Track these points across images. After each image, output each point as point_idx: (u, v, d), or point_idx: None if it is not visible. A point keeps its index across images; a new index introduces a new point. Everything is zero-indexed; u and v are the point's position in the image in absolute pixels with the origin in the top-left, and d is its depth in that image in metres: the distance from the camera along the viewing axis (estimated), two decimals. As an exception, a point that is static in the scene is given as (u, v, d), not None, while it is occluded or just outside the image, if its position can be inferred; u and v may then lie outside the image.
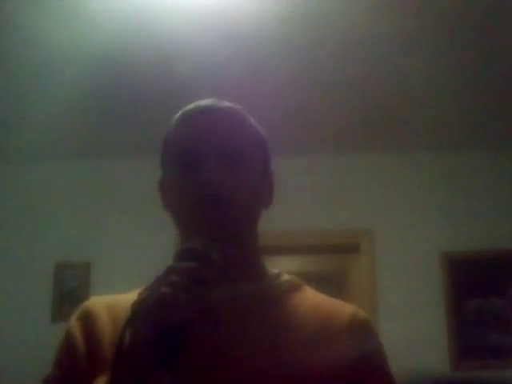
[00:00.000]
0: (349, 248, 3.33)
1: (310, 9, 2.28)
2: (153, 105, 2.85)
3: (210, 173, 0.87)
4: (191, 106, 0.95)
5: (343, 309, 0.92)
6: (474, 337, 3.08)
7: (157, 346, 0.71)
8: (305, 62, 2.62)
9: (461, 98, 2.91)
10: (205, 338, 0.80)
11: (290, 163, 3.39)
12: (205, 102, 0.95)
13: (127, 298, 0.88)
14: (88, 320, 0.89)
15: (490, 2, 2.26)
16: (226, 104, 0.95)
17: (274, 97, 2.85)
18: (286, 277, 0.96)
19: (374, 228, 3.30)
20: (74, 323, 0.90)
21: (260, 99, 2.84)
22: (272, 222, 3.61)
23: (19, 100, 2.86)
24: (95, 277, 3.23)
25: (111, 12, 2.26)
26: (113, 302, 0.92)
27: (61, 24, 2.34)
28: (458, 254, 3.20)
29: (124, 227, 3.32)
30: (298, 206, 3.33)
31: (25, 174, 3.49)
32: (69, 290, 3.24)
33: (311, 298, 0.93)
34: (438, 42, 2.50)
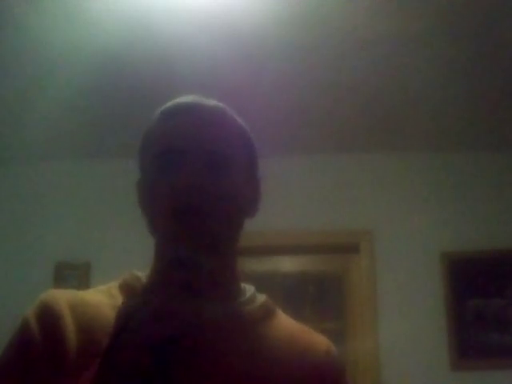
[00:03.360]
0: (349, 248, 3.32)
1: (310, 9, 2.28)
2: (153, 105, 2.85)
3: (192, 177, 0.81)
4: (174, 102, 0.89)
5: (317, 343, 0.90)
6: (474, 337, 3.08)
7: (149, 358, 0.69)
8: (305, 62, 2.62)
9: (461, 97, 2.91)
10: (195, 351, 0.76)
11: (290, 163, 3.39)
12: (188, 98, 0.89)
13: (91, 299, 0.85)
14: (48, 318, 0.81)
15: (490, 3, 2.26)
16: (212, 102, 0.89)
17: (274, 97, 2.85)
18: (260, 299, 0.92)
19: (374, 228, 3.30)
20: (32, 320, 0.81)
21: (260, 99, 2.85)
22: (272, 222, 3.63)
23: (19, 100, 2.86)
24: (95, 277, 3.23)
25: (111, 12, 2.26)
26: (74, 300, 0.85)
27: (61, 24, 2.34)
28: (458, 253, 3.20)
29: (124, 227, 3.32)
30: (297, 206, 3.33)
31: (25, 174, 3.49)
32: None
33: (285, 328, 0.90)
34: (439, 43, 2.50)
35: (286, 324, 0.92)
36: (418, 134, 3.24)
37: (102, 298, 0.86)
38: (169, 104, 0.90)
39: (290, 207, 3.32)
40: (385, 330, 3.09)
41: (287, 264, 3.42)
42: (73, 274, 3.28)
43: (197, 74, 2.59)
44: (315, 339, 0.91)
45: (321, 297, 3.36)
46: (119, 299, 0.86)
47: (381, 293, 3.17)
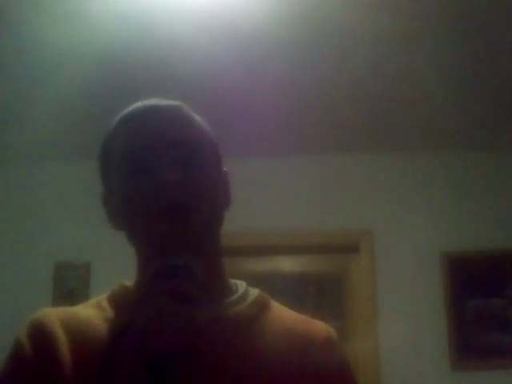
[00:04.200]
0: (349, 248, 3.32)
1: (310, 9, 2.28)
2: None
3: (167, 173, 0.79)
4: (131, 107, 0.89)
5: (316, 331, 0.89)
6: (474, 337, 3.08)
7: (146, 374, 0.67)
8: (304, 62, 2.62)
9: (461, 97, 2.91)
10: (192, 362, 0.75)
11: (290, 163, 3.39)
12: (147, 101, 0.89)
13: (81, 313, 0.85)
14: (40, 334, 0.80)
15: (490, 3, 2.26)
16: (169, 101, 0.89)
17: (274, 97, 2.85)
18: (253, 293, 0.91)
19: (374, 228, 3.30)
20: (24, 339, 0.80)
21: (260, 99, 2.85)
22: (272, 222, 3.61)
23: (19, 100, 2.86)
24: (95, 277, 3.23)
25: (111, 12, 2.26)
26: (65, 314, 0.84)
27: (61, 24, 2.34)
28: (458, 253, 3.20)
29: (124, 227, 3.32)
30: (297, 206, 3.33)
31: (25, 174, 3.49)
32: (69, 289, 3.24)
33: (281, 321, 0.89)
34: (438, 43, 2.50)
35: (282, 316, 0.90)
36: (418, 134, 3.24)
37: (93, 312, 0.86)
38: (127, 109, 0.89)
39: (290, 207, 3.32)
40: (385, 330, 3.09)
41: (287, 264, 3.42)
42: (73, 274, 3.28)
43: (197, 73, 2.59)
44: (314, 327, 0.90)
45: (321, 297, 3.35)
46: (109, 311, 0.85)
47: (381, 293, 3.17)
